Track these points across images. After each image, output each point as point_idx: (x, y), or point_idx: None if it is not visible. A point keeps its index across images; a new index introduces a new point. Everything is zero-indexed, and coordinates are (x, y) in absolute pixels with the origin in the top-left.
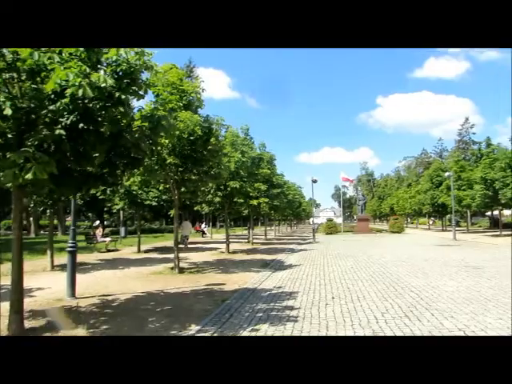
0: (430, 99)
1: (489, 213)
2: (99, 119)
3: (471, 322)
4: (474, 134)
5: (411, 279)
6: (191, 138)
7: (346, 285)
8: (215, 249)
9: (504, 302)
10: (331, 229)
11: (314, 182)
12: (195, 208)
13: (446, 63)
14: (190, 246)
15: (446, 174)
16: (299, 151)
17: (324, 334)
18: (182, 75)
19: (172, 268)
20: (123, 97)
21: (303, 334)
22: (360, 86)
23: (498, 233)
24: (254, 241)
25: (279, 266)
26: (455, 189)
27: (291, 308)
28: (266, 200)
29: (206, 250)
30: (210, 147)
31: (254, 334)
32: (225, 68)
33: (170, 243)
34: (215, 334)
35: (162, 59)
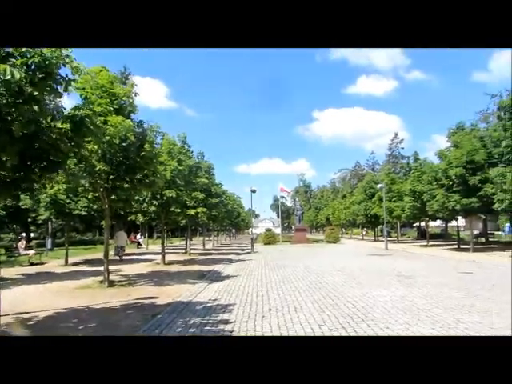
0: (362, 115)
1: (416, 224)
2: (8, 117)
3: (406, 332)
4: (402, 148)
5: (347, 289)
6: (123, 144)
7: (284, 295)
8: (150, 260)
9: (436, 312)
10: (270, 239)
11: (253, 191)
12: (129, 218)
13: (376, 81)
14: (124, 257)
15: (379, 185)
16: (238, 162)
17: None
18: (112, 78)
19: (101, 281)
20: (36, 93)
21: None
22: (297, 99)
23: (425, 243)
24: (192, 251)
25: (216, 277)
26: (386, 200)
27: (226, 322)
28: (204, 210)
29: (140, 261)
30: (143, 154)
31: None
32: (162, 77)
33: (101, 255)
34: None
35: (94, 63)
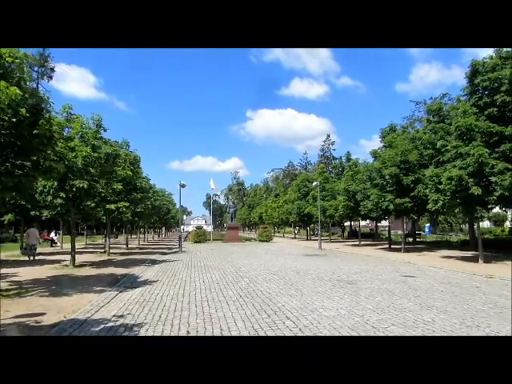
0: (295, 116)
1: (347, 223)
2: None
3: None
4: (334, 150)
5: (285, 299)
6: (13, 119)
7: (208, 309)
8: (60, 261)
9: (396, 332)
10: (200, 237)
11: (182, 186)
12: (32, 213)
13: (309, 84)
14: (25, 258)
15: (314, 183)
16: (171, 159)
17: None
18: None
19: None
20: None
21: None
22: (232, 98)
23: (357, 243)
24: (113, 251)
25: (131, 284)
26: (320, 199)
27: None
28: (127, 204)
29: (48, 262)
30: (37, 132)
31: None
32: (90, 66)
33: (4, 256)
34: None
35: None
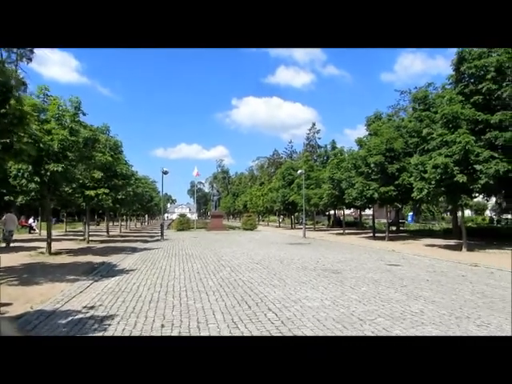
0: (280, 105)
1: (330, 212)
2: None
3: None
4: (319, 138)
5: (267, 289)
6: None
7: (186, 300)
8: (36, 248)
9: (384, 324)
10: (183, 225)
11: (165, 173)
12: (6, 198)
13: (294, 73)
14: (1, 245)
15: (299, 171)
16: (155, 146)
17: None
18: None
19: None
20: None
21: None
22: (216, 86)
23: (341, 231)
24: (93, 238)
25: (107, 272)
26: (305, 188)
27: None
28: (107, 191)
29: (25, 249)
30: (6, 112)
31: None
32: (73, 50)
33: None
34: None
35: None
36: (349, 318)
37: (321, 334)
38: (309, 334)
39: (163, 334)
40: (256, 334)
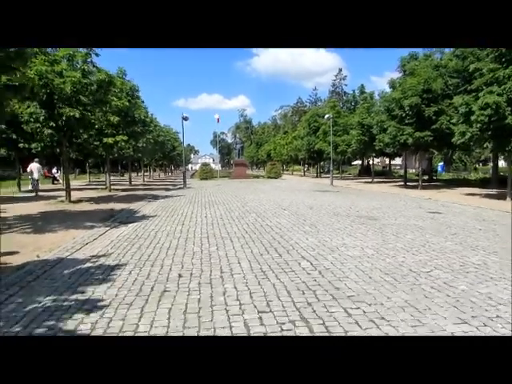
0: (303, 52)
1: (355, 162)
2: None
3: (415, 324)
4: (345, 85)
5: (299, 235)
6: None
7: (208, 247)
8: (57, 197)
9: (444, 278)
10: (206, 174)
11: (185, 119)
12: (20, 145)
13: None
14: (31, 194)
15: (326, 116)
16: (176, 97)
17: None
18: None
19: None
20: None
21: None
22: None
23: (369, 180)
24: (116, 187)
25: (126, 219)
26: (331, 134)
27: (92, 307)
28: (125, 138)
29: (44, 198)
30: None
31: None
32: None
33: (1, 192)
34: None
35: None
36: (398, 269)
37: (368, 287)
38: (354, 287)
39: (163, 334)
40: (291, 285)
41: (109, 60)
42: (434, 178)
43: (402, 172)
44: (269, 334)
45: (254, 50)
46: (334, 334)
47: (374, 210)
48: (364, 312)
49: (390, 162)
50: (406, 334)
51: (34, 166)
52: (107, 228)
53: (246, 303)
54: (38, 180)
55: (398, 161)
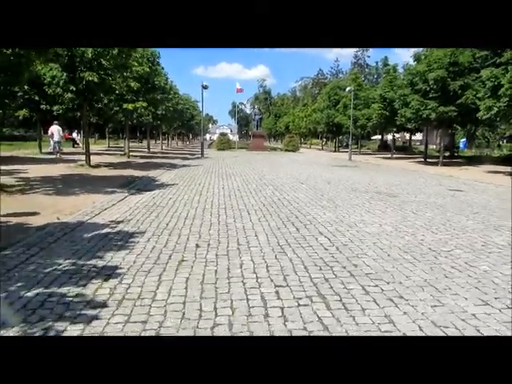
0: None
1: (374, 137)
2: None
3: (434, 303)
4: (368, 57)
5: (316, 210)
6: None
7: (225, 219)
8: (77, 161)
9: (465, 258)
10: (224, 144)
11: (205, 87)
12: (42, 107)
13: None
14: (51, 156)
15: (347, 89)
16: (195, 65)
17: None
18: None
19: None
20: None
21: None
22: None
23: (389, 155)
24: (134, 154)
25: (144, 186)
26: (352, 108)
27: (110, 272)
28: (145, 105)
29: (64, 162)
30: None
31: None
32: None
33: (22, 153)
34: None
35: None
36: (418, 247)
37: (386, 265)
38: (372, 264)
39: (162, 334)
40: (308, 260)
41: None
42: (456, 154)
43: (422, 148)
44: (269, 334)
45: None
46: (336, 334)
47: (393, 187)
48: (382, 290)
49: (410, 137)
50: (410, 335)
51: (55, 129)
52: (126, 194)
53: (263, 277)
54: (59, 142)
55: (418, 136)
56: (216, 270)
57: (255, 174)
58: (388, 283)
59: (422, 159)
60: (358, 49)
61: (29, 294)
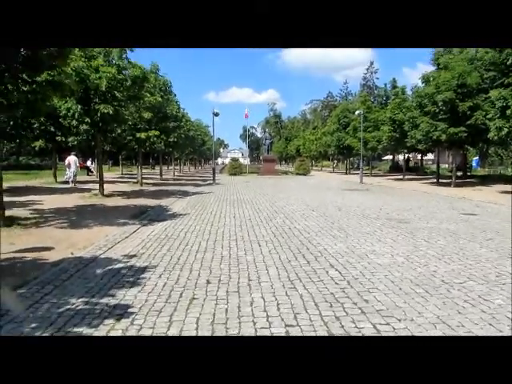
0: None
1: (385, 157)
2: None
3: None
4: (377, 79)
5: (326, 240)
6: None
7: (236, 251)
8: (91, 190)
9: (479, 291)
10: (235, 169)
11: (216, 115)
12: (58, 138)
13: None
14: (66, 185)
15: (356, 112)
16: (206, 90)
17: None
18: None
19: None
20: None
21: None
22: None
23: (400, 177)
24: (147, 181)
25: (157, 216)
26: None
27: (122, 312)
28: (157, 133)
29: (79, 191)
30: None
31: None
32: None
33: (37, 183)
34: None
35: None
36: (430, 280)
37: (398, 300)
38: (383, 299)
39: (162, 335)
40: (318, 297)
41: (140, 53)
42: (469, 173)
43: (434, 167)
44: (269, 334)
45: None
46: (337, 334)
47: (405, 212)
48: (394, 329)
49: (421, 157)
50: (408, 334)
51: (72, 159)
52: (138, 226)
53: (274, 315)
54: (75, 172)
55: (430, 156)
56: (226, 309)
57: (266, 201)
58: (399, 320)
59: (435, 180)
60: (366, 70)
61: (45, 331)
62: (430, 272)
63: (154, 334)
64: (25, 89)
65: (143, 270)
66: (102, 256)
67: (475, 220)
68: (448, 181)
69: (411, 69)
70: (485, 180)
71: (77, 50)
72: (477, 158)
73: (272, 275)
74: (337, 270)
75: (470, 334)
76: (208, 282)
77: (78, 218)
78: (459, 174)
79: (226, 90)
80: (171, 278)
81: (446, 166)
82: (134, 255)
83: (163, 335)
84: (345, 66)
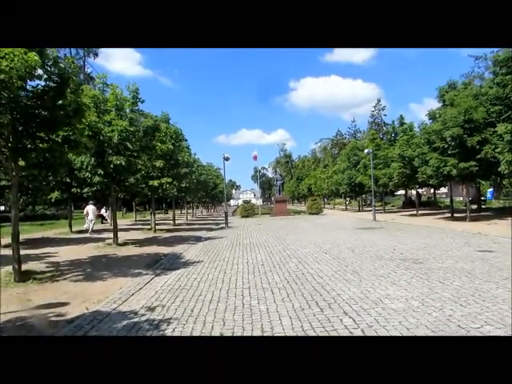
0: (339, 83)
1: (398, 192)
2: None
3: None
4: (385, 115)
5: (340, 285)
6: (38, 90)
7: (249, 300)
8: (105, 239)
9: (485, 331)
10: (248, 211)
11: (226, 159)
12: (73, 190)
13: (354, 48)
14: (78, 236)
15: (366, 150)
16: (217, 133)
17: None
18: None
19: (12, 273)
20: None
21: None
22: (273, 70)
23: (414, 212)
24: (160, 227)
25: (170, 265)
26: (372, 168)
27: None
28: (170, 180)
29: (93, 240)
30: (62, 103)
31: None
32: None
33: (53, 233)
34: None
35: None
36: (446, 325)
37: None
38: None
39: (163, 334)
40: None
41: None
42: (483, 206)
43: (448, 201)
44: (269, 335)
45: (292, 84)
46: (335, 335)
47: (419, 251)
48: None
49: (434, 192)
50: (408, 335)
51: (90, 208)
52: (152, 276)
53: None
54: (93, 221)
55: (443, 189)
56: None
57: (279, 244)
58: None
59: (449, 214)
60: (374, 108)
61: None
62: (445, 317)
63: (154, 335)
64: (42, 146)
65: (157, 324)
66: (117, 310)
67: (491, 257)
68: (463, 215)
69: (418, 104)
70: (500, 212)
71: (92, 105)
72: (491, 189)
73: (285, 325)
74: (351, 317)
75: (470, 334)
76: (221, 334)
77: (92, 269)
78: (474, 207)
79: (236, 133)
80: (185, 332)
81: (461, 198)
82: (148, 308)
83: (164, 335)
84: (352, 105)
